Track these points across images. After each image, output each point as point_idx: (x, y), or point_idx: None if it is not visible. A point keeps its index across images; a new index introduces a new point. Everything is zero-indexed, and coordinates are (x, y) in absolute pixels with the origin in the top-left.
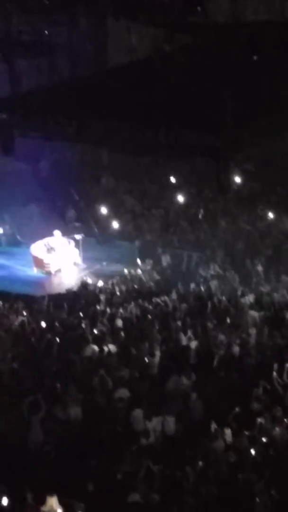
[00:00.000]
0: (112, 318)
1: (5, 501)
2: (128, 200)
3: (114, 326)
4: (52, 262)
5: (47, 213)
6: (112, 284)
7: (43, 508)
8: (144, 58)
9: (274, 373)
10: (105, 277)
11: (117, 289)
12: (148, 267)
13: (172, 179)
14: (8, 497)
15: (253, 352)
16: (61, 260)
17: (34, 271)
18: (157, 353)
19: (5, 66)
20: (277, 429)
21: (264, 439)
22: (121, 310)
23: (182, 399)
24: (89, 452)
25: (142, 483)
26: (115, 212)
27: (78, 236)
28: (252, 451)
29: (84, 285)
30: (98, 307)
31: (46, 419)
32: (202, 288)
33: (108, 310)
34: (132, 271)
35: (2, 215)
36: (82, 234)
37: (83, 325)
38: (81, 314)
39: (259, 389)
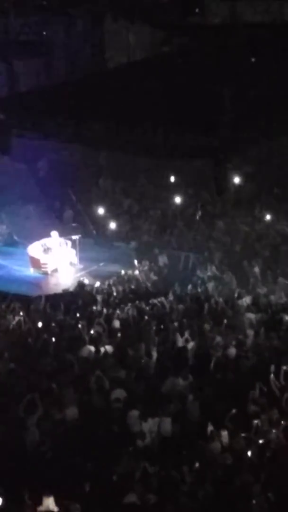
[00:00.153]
0: (108, 318)
1: (0, 501)
2: (126, 201)
3: (111, 327)
4: (49, 262)
5: (44, 213)
6: (109, 284)
7: (40, 508)
8: (142, 59)
9: (272, 375)
10: (102, 277)
11: (114, 289)
12: (145, 268)
13: (170, 180)
14: (4, 498)
15: (250, 354)
16: (58, 261)
17: (31, 271)
18: (154, 354)
19: (3, 66)
20: (273, 431)
21: (260, 441)
22: (118, 311)
23: (179, 400)
24: (86, 453)
25: (139, 484)
26: (112, 213)
27: (75, 237)
28: (249, 453)
29: (81, 286)
30: (95, 308)
31: (42, 420)
32: (199, 290)
33: (104, 310)
34: (129, 271)
35: None
36: (79, 235)
37: (80, 326)
38: (77, 314)
39: (256, 391)
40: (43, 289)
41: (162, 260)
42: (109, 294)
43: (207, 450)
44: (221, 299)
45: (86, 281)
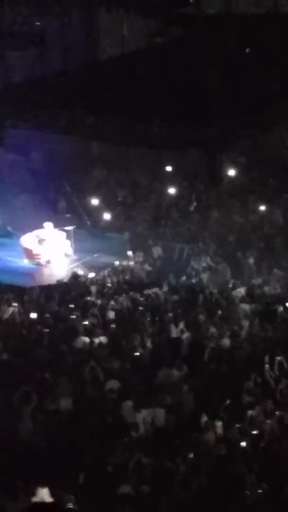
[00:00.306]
0: (103, 309)
1: None
2: (120, 191)
3: (105, 318)
4: (42, 253)
5: (38, 204)
6: (103, 275)
7: (34, 499)
8: (136, 50)
9: (266, 366)
10: (96, 268)
11: (108, 280)
12: (140, 259)
13: (164, 171)
14: None
15: (244, 345)
16: (52, 251)
17: (25, 262)
18: (148, 345)
19: None
20: (268, 421)
21: (254, 432)
22: (112, 302)
23: (173, 391)
24: (80, 444)
25: (133, 474)
26: (107, 204)
27: (69, 228)
28: (243, 444)
29: (75, 277)
30: (89, 299)
31: (36, 410)
32: (194, 281)
33: (99, 301)
34: (124, 262)
35: None
36: (74, 226)
37: (74, 317)
38: (72, 305)
39: (250, 382)
40: (37, 280)
41: (156, 251)
42: (103, 285)
43: (201, 441)
44: (215, 290)
45: (80, 272)
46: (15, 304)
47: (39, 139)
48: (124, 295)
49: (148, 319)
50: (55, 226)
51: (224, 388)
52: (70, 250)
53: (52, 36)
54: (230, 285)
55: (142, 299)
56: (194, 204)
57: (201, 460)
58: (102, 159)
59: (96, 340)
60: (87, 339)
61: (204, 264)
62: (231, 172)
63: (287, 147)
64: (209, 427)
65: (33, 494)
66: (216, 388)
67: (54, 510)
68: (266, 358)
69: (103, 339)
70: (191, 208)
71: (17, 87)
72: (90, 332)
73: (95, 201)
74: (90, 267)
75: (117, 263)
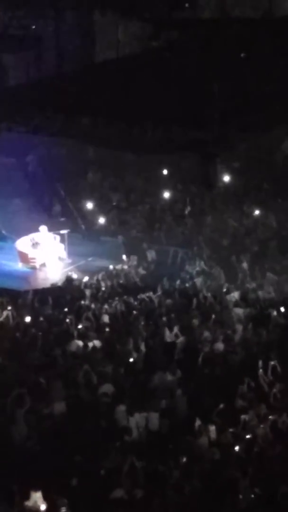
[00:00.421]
0: (97, 313)
1: None
2: (114, 195)
3: (99, 322)
4: (37, 257)
5: (33, 207)
6: (98, 279)
7: (27, 503)
8: (131, 53)
9: (260, 371)
10: (91, 272)
11: (102, 284)
12: (134, 263)
13: (159, 175)
14: None
15: (238, 349)
16: (46, 255)
17: (19, 266)
18: (142, 349)
19: None
20: (261, 426)
21: (248, 436)
22: (106, 306)
23: (167, 395)
24: (73, 447)
25: (126, 478)
26: (101, 208)
27: (63, 231)
28: (236, 448)
29: (69, 280)
30: (83, 302)
31: (30, 414)
32: (188, 285)
33: (93, 305)
34: (118, 266)
35: None
36: (68, 229)
37: (68, 320)
38: (66, 309)
39: (244, 386)
40: (31, 283)
41: (151, 255)
42: (98, 289)
43: (194, 445)
44: (209, 294)
45: (75, 276)
46: (9, 308)
47: (33, 142)
48: (118, 299)
49: (142, 323)
50: (50, 230)
51: (218, 392)
52: (64, 254)
53: (47, 39)
54: (224, 289)
55: (136, 303)
56: (188, 208)
57: (194, 464)
58: (97, 163)
59: (90, 344)
60: (81, 343)
61: (198, 268)
62: (226, 177)
63: (282, 151)
64: (202, 431)
65: (26, 497)
66: (209, 392)
67: None
68: (260, 363)
69: (97, 343)
70: (186, 212)
71: (12, 90)
72: (84, 335)
73: (89, 205)
74: (84, 271)
75: (111, 267)
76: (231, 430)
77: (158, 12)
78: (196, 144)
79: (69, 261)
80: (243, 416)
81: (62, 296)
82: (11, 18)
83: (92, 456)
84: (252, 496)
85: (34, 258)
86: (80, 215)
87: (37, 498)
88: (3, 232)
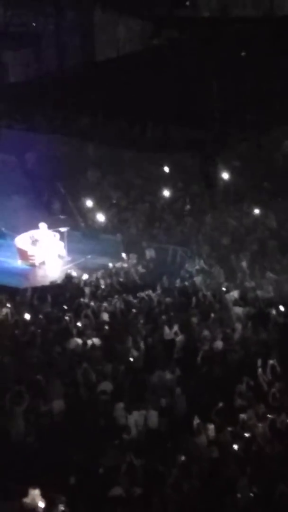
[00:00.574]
0: (96, 311)
1: None
2: (114, 193)
3: (98, 320)
4: (36, 254)
5: (32, 205)
6: (97, 277)
7: (25, 500)
8: (131, 51)
9: (259, 370)
10: (90, 270)
11: (101, 282)
12: (133, 261)
13: (159, 173)
14: None
15: (237, 348)
16: (45, 253)
17: (19, 263)
18: (141, 347)
19: None
20: (259, 425)
21: (246, 435)
22: (105, 304)
23: (166, 393)
24: (72, 445)
25: (125, 477)
26: (101, 205)
27: (63, 229)
28: (235, 447)
29: (68, 278)
30: (82, 300)
31: (29, 412)
32: (187, 283)
33: (92, 303)
34: (117, 264)
35: None
36: (67, 227)
37: (67, 318)
38: (65, 307)
39: (243, 385)
40: (30, 281)
41: (150, 253)
42: (97, 286)
43: (193, 443)
44: (209, 293)
45: (74, 274)
46: (8, 305)
47: (33, 139)
48: (117, 297)
49: (141, 321)
50: (49, 227)
51: (217, 391)
52: (63, 252)
53: (47, 37)
54: (224, 288)
55: (135, 301)
56: (188, 206)
57: (193, 462)
58: (96, 161)
59: (89, 342)
60: (80, 341)
61: (197, 267)
62: (226, 175)
63: (282, 151)
64: (201, 430)
65: (25, 495)
66: (208, 391)
67: None
68: (259, 362)
69: (96, 340)
70: (185, 211)
71: (12, 88)
72: (83, 333)
73: (89, 203)
74: (84, 269)
75: (110, 265)
76: (229, 429)
77: (158, 10)
78: (196, 143)
79: (69, 258)
80: (242, 415)
81: (61, 294)
82: (12, 16)
83: (91, 454)
84: (251, 495)
85: (33, 256)
86: (80, 213)
87: (35, 496)
88: (3, 229)
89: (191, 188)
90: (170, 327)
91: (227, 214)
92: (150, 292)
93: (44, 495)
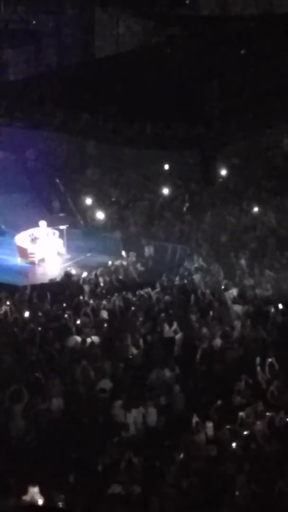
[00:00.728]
0: (95, 309)
1: None
2: (114, 191)
3: (98, 317)
4: (36, 252)
5: (32, 202)
6: (96, 275)
7: (24, 498)
8: (131, 49)
9: (258, 368)
10: (89, 268)
11: (101, 280)
12: (133, 259)
13: (158, 171)
14: None
15: (236, 346)
16: (45, 250)
17: (18, 261)
18: (140, 345)
19: None
20: (258, 423)
21: (245, 433)
22: (104, 302)
23: (165, 391)
24: (71, 443)
25: (123, 474)
26: (100, 203)
27: (62, 227)
28: (233, 445)
29: (68, 276)
30: (81, 298)
31: (28, 409)
32: (186, 281)
33: (91, 301)
34: (117, 262)
35: None
36: (67, 225)
37: (66, 316)
38: (64, 304)
39: (241, 383)
40: (30, 278)
41: (149, 251)
42: (96, 284)
43: (192, 441)
44: (208, 291)
45: (73, 271)
46: (8, 303)
47: (33, 137)
48: (116, 295)
49: (141, 319)
50: (49, 225)
51: (216, 389)
52: (63, 249)
53: (48, 34)
54: (223, 286)
55: (134, 299)
56: (187, 204)
57: (191, 460)
58: (96, 158)
59: (88, 340)
60: (79, 339)
61: (196, 265)
62: (225, 173)
63: (281, 149)
64: (200, 428)
65: (24, 493)
66: (207, 389)
67: None
68: (258, 360)
69: (95, 338)
70: (184, 209)
71: (12, 85)
72: (82, 331)
73: (88, 200)
74: (83, 267)
75: (110, 262)
76: (228, 426)
77: (158, 8)
78: (195, 141)
79: (68, 256)
80: (240, 413)
81: (60, 292)
82: (12, 13)
83: (90, 452)
84: (249, 492)
85: (33, 253)
86: (79, 211)
87: (34, 493)
88: (2, 227)
89: (190, 186)
90: (169, 325)
91: (226, 212)
92: (149, 290)
93: (43, 493)
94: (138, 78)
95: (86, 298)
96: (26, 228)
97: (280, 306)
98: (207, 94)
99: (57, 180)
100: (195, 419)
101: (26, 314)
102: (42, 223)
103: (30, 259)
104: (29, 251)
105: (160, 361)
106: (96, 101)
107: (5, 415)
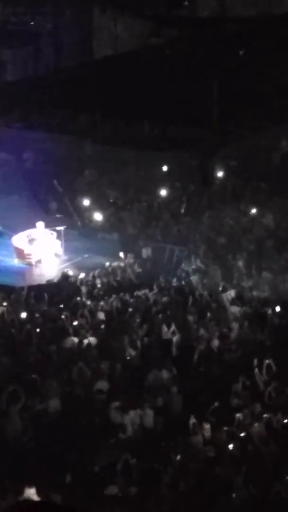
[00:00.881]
0: (93, 310)
1: None
2: (111, 192)
3: (95, 319)
4: (33, 253)
5: (30, 204)
6: (93, 276)
7: (21, 498)
8: (129, 50)
9: (256, 369)
10: (87, 269)
11: (98, 281)
12: (130, 260)
13: (156, 172)
14: None
15: (234, 348)
16: (42, 251)
17: (15, 262)
18: (138, 346)
19: None
20: (255, 424)
21: (242, 434)
22: (102, 303)
23: (162, 392)
24: (68, 444)
25: (120, 476)
26: (98, 204)
27: (60, 228)
28: (231, 446)
29: (65, 277)
30: (79, 299)
31: (24, 410)
32: (184, 282)
33: (89, 302)
34: (114, 263)
35: None
36: (64, 226)
37: (64, 317)
38: (61, 305)
39: (239, 385)
40: (27, 279)
41: (146, 252)
42: (93, 285)
43: (189, 443)
44: (205, 292)
45: (71, 273)
46: (5, 304)
47: (31, 138)
48: (114, 296)
49: (138, 320)
50: (46, 226)
51: (213, 391)
52: (60, 250)
53: (46, 35)
54: (220, 288)
55: (132, 300)
56: (185, 206)
57: (188, 462)
58: (94, 160)
59: (85, 341)
60: (76, 340)
61: (194, 266)
62: (223, 175)
63: (279, 150)
64: (197, 429)
65: (20, 493)
66: (204, 390)
67: (40, 507)
68: (255, 361)
69: (92, 339)
70: (182, 210)
71: (10, 86)
72: (79, 332)
73: (86, 202)
74: (81, 268)
75: (107, 264)
76: (225, 428)
77: (157, 9)
78: (193, 142)
79: (65, 257)
80: (238, 415)
81: (58, 293)
82: (11, 15)
83: (87, 453)
84: (246, 494)
85: (30, 254)
86: (77, 212)
87: (31, 494)
88: (0, 228)
89: (188, 187)
90: (167, 326)
91: (224, 213)
92: (146, 291)
93: (39, 493)
94: (136, 79)
95: (83, 299)
96: (23, 229)
97: (278, 308)
98: (206, 95)
99: (55, 181)
100: (192, 420)
101: (23, 315)
102: (40, 224)
103: (27, 260)
104: (26, 252)
105: (158, 362)
106: (94, 102)
107: (2, 416)
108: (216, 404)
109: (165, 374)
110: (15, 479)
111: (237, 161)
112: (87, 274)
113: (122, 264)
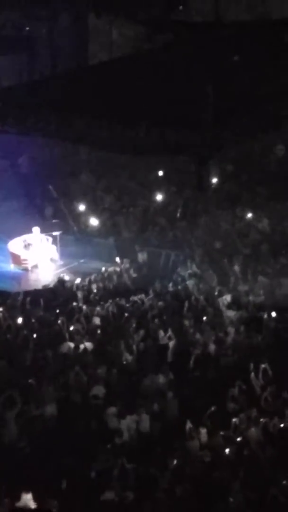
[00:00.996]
0: (89, 315)
1: None
2: (107, 197)
3: (91, 324)
4: (29, 258)
5: (25, 209)
6: (90, 281)
7: (17, 504)
8: (125, 55)
9: (252, 373)
10: (83, 274)
11: (94, 286)
12: (126, 265)
13: (152, 177)
14: None
15: (230, 352)
16: (38, 257)
17: (11, 267)
18: (134, 351)
19: None
20: (252, 429)
21: (239, 439)
22: (98, 308)
23: (158, 397)
24: (64, 449)
25: (117, 481)
26: (94, 209)
27: (56, 233)
28: (227, 451)
29: (61, 282)
30: (75, 304)
31: (21, 415)
32: (180, 287)
33: (85, 307)
34: (110, 268)
35: None
36: (60, 231)
37: (60, 322)
38: (57, 311)
39: (235, 389)
40: (23, 285)
41: (142, 257)
42: (90, 290)
43: (185, 447)
44: (201, 297)
45: (67, 278)
46: (1, 309)
47: (26, 144)
48: (110, 301)
49: (134, 325)
50: (42, 231)
51: (209, 395)
52: (56, 255)
53: (41, 41)
54: (216, 292)
55: (128, 305)
56: (181, 210)
57: (185, 467)
58: (89, 164)
59: (82, 346)
60: (72, 345)
61: (190, 271)
62: (219, 179)
63: (274, 154)
64: (193, 434)
65: (17, 499)
66: (201, 395)
67: None
68: (251, 366)
69: (88, 345)
70: (178, 215)
71: (5, 91)
72: (75, 337)
73: (82, 206)
74: (76, 273)
75: (103, 269)
76: (222, 433)
77: (152, 14)
78: (189, 147)
79: (61, 262)
80: (234, 419)
81: (54, 298)
82: (6, 20)
83: (83, 458)
84: (243, 498)
85: (26, 260)
86: (73, 217)
87: (27, 500)
88: None
89: (184, 192)
90: (163, 331)
91: (220, 217)
92: (143, 296)
93: (36, 499)
94: (132, 84)
95: (79, 305)
96: (19, 234)
97: (274, 312)
98: (201, 100)
99: (50, 186)
100: (188, 425)
101: (19, 320)
102: (35, 229)
103: (23, 265)
104: (22, 257)
105: (154, 367)
106: (90, 107)
107: None
108: (212, 408)
109: (161, 378)
110: (11, 485)
111: (233, 166)
112: (83, 279)
113: (118, 269)
